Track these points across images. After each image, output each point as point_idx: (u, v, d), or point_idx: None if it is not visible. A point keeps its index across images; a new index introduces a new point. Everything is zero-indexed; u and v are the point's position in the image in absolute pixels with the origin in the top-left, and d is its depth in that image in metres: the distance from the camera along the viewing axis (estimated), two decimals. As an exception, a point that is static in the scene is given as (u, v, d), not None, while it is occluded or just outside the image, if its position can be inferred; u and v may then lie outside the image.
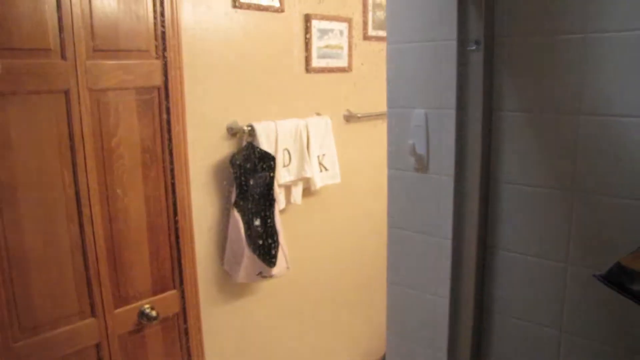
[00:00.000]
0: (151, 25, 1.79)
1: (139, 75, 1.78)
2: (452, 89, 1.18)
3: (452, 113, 1.18)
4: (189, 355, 2.07)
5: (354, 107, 2.64)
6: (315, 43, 2.36)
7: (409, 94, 1.26)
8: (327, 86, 2.50)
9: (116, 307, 1.81)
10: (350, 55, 2.56)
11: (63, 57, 1.59)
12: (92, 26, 1.64)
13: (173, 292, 1.99)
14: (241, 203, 2.08)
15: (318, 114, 2.43)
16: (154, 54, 1.81)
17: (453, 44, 1.17)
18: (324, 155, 2.39)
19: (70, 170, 1.65)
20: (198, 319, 2.08)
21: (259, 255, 2.11)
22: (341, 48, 2.51)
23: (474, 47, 1.15)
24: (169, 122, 1.88)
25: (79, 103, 1.64)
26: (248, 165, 2.07)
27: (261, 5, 2.14)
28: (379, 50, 2.71)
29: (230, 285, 2.22)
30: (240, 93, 2.14)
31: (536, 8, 1.09)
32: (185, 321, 2.04)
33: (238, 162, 2.05)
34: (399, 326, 1.37)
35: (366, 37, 2.64)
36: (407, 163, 1.27)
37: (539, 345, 1.15)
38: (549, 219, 1.11)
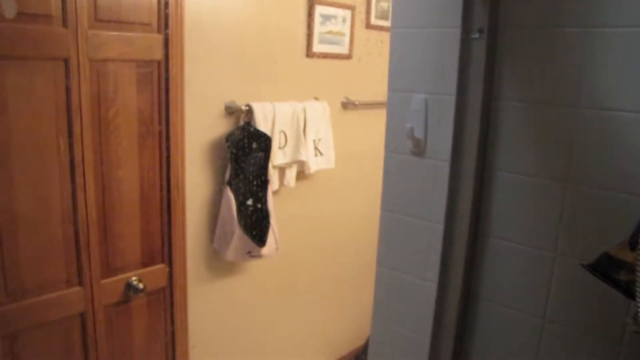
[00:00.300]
0: (154, 0, 1.79)
1: (139, 48, 1.77)
2: (453, 76, 1.19)
3: (451, 99, 1.19)
4: (173, 329, 2.08)
5: (352, 94, 2.65)
6: (318, 28, 2.36)
7: (410, 78, 1.27)
8: (326, 72, 2.50)
9: (103, 278, 1.82)
10: (351, 43, 2.56)
11: (64, 24, 1.58)
12: (95, -5, 1.63)
13: (161, 266, 1.99)
14: (235, 182, 2.09)
15: (316, 99, 2.43)
16: (155, 28, 1.81)
17: (457, 32, 1.18)
18: (319, 139, 2.40)
19: (66, 138, 1.64)
20: (184, 294, 2.09)
21: (249, 235, 2.12)
22: (343, 35, 2.51)
23: (477, 36, 1.16)
24: (167, 96, 1.87)
25: (79, 72, 1.63)
26: (244, 145, 2.07)
27: (266, -14, 2.14)
28: (381, 39, 2.71)
29: (219, 264, 2.23)
30: (240, 73, 2.14)
31: (540, 0, 1.10)
32: (171, 296, 2.04)
33: (234, 141, 2.06)
34: (385, 308, 1.39)
35: (369, 26, 2.64)
36: (404, 146, 1.28)
37: (522, 332, 1.17)
38: (541, 209, 1.12)
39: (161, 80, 1.85)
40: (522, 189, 1.14)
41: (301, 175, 2.42)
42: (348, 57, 2.57)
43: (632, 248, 0.87)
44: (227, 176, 2.09)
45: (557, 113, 1.09)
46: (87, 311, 1.78)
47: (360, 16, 2.60)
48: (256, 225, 2.15)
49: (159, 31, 1.81)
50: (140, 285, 1.89)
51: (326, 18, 2.40)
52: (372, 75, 2.72)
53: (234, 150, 2.06)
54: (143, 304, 1.96)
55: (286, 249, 2.46)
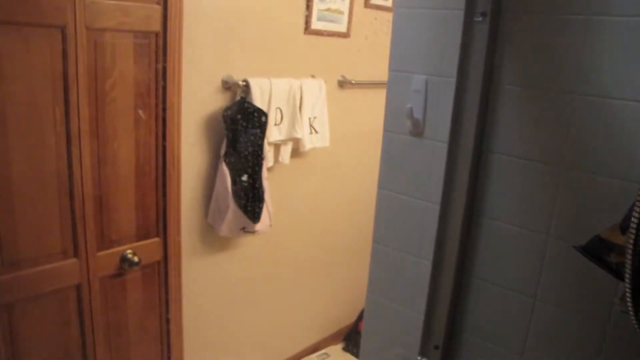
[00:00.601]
0: (154, -31, 1.77)
1: (138, 18, 1.75)
2: (454, 58, 1.19)
3: (452, 81, 1.20)
4: (167, 303, 2.10)
5: (349, 73, 2.64)
6: (317, 4, 2.34)
7: (411, 58, 1.27)
8: (324, 50, 2.49)
9: (99, 250, 1.83)
10: (349, 22, 2.55)
11: (61, -9, 1.55)
12: (93, -38, 1.60)
13: (156, 239, 2.00)
14: (230, 157, 2.09)
15: (313, 77, 2.43)
16: (154, -2, 1.79)
17: (460, 14, 1.18)
18: (315, 117, 2.40)
19: (62, 108, 1.63)
20: (178, 268, 2.11)
21: (243, 210, 2.13)
22: (341, 13, 2.50)
23: (480, 19, 1.16)
24: (164, 69, 1.86)
25: (75, 41, 1.61)
26: (240, 120, 2.07)
27: (266, -40, 2.11)
28: (379, 19, 2.70)
29: (213, 239, 2.25)
30: (238, 47, 2.12)
31: (543, -14, 1.10)
32: (165, 269, 2.06)
33: (230, 116, 2.05)
34: (380, 284, 1.41)
35: (367, 5, 2.63)
36: (403, 126, 1.29)
37: (513, 310, 1.20)
38: (536, 192, 1.15)
39: (159, 52, 1.84)
40: (518, 172, 1.16)
41: (296, 152, 2.42)
42: (346, 35, 2.56)
43: (623, 231, 0.90)
44: (222, 151, 2.09)
45: (555, 98, 1.10)
46: (83, 283, 1.79)
47: (360, -6, 2.58)
48: (250, 201, 2.16)
49: (157, 2, 1.79)
50: (135, 259, 1.90)
51: (325, -6, 2.38)
52: (370, 54, 2.71)
53: (230, 126, 2.06)
54: (138, 277, 1.97)
55: (280, 224, 2.48)
